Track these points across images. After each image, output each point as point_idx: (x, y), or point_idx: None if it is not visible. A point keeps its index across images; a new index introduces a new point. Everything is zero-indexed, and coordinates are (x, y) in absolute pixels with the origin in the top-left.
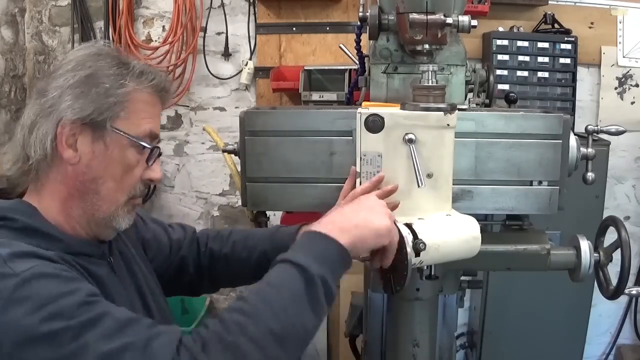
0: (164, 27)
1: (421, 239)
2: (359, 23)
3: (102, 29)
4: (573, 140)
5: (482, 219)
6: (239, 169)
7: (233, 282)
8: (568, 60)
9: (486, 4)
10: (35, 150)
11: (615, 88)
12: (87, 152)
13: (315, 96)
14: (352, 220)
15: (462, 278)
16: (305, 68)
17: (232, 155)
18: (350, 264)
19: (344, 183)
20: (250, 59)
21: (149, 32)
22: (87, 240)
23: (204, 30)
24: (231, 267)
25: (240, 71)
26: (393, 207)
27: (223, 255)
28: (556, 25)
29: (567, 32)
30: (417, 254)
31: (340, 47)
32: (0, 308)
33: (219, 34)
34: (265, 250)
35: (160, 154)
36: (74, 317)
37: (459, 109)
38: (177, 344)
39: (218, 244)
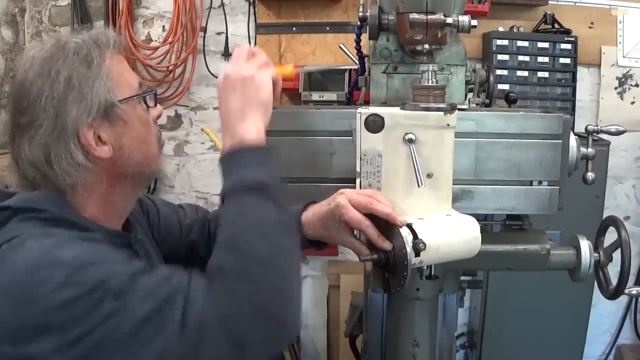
0: (164, 27)
1: (421, 239)
2: (359, 23)
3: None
4: (573, 140)
5: (482, 219)
6: None
7: None
8: (568, 60)
9: (486, 4)
10: (67, 176)
11: (615, 88)
12: (115, 137)
13: (315, 96)
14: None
15: (462, 278)
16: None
17: None
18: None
19: (344, 183)
20: None
21: (149, 32)
22: (117, 232)
23: (204, 30)
24: None
25: None
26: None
27: None
28: (556, 25)
29: (567, 32)
30: (417, 254)
31: (340, 47)
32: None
33: (219, 33)
34: None
35: (156, 92)
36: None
37: (459, 109)
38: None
39: None
